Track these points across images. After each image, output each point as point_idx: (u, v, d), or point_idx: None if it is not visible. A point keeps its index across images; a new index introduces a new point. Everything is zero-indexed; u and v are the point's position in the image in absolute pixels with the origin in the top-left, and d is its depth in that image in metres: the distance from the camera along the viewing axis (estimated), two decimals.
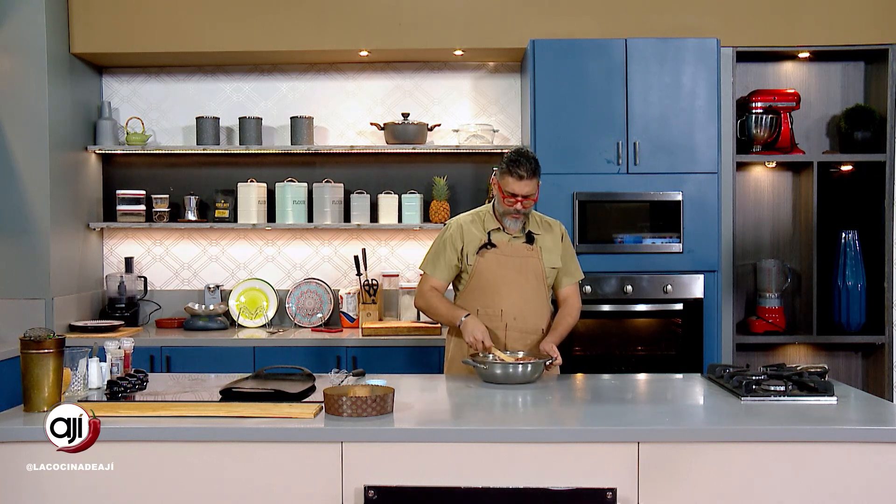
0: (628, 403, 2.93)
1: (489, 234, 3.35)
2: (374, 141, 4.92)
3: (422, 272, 3.49)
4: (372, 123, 4.86)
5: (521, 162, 3.21)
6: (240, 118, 4.82)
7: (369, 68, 4.94)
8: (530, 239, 3.35)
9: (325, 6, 4.56)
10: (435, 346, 4.26)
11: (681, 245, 4.23)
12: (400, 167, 4.92)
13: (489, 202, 4.66)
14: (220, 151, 4.85)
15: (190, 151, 4.85)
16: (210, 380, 3.20)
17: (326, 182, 4.81)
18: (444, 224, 3.53)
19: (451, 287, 3.49)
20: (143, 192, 4.86)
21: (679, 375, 3.43)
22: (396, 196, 4.80)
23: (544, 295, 3.37)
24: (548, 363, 3.12)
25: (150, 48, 4.61)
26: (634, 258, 4.25)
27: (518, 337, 3.33)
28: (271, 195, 4.88)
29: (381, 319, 4.77)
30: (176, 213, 4.93)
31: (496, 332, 3.32)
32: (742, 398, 2.77)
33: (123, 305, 4.77)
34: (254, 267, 4.98)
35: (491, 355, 3.18)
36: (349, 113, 4.96)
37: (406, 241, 4.95)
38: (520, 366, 3.05)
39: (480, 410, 2.77)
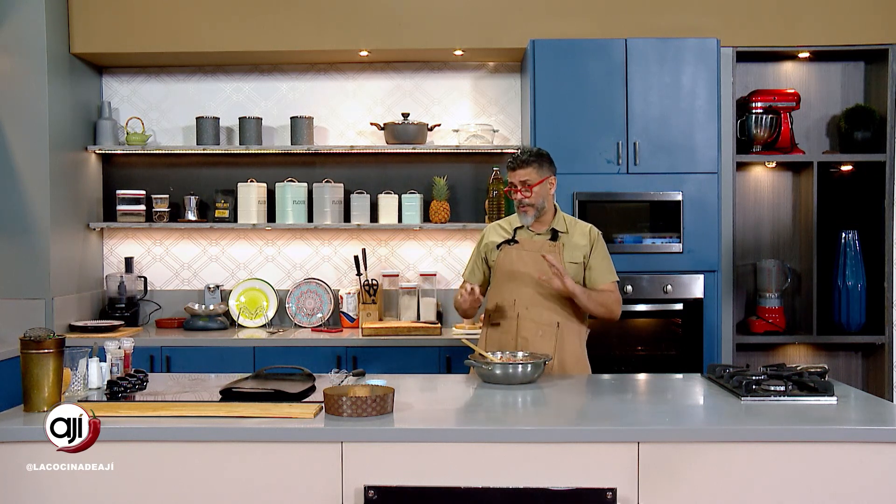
0: (628, 403, 2.92)
1: (515, 230, 3.45)
2: (374, 141, 4.92)
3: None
4: (372, 123, 4.86)
5: (516, 155, 3.39)
6: (240, 118, 4.82)
7: (369, 68, 4.94)
8: (555, 236, 3.40)
9: (325, 6, 4.56)
10: (435, 346, 4.27)
11: (681, 245, 4.23)
12: (400, 167, 4.92)
13: (488, 202, 4.71)
14: (220, 151, 4.85)
15: (190, 151, 4.85)
16: (210, 380, 3.20)
17: (326, 182, 4.81)
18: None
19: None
20: (143, 192, 4.86)
21: (679, 375, 3.42)
22: (396, 196, 4.80)
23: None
24: (547, 361, 3.12)
25: (150, 48, 4.61)
26: (634, 258, 4.25)
27: (530, 327, 3.34)
28: (271, 195, 4.88)
29: (381, 319, 4.77)
30: (176, 213, 4.93)
31: (509, 321, 3.36)
32: (742, 398, 2.77)
33: (123, 305, 4.77)
34: (254, 267, 4.98)
35: (496, 354, 3.19)
36: (349, 113, 4.96)
37: (406, 241, 4.95)
38: (520, 366, 3.05)
39: (480, 410, 2.77)
